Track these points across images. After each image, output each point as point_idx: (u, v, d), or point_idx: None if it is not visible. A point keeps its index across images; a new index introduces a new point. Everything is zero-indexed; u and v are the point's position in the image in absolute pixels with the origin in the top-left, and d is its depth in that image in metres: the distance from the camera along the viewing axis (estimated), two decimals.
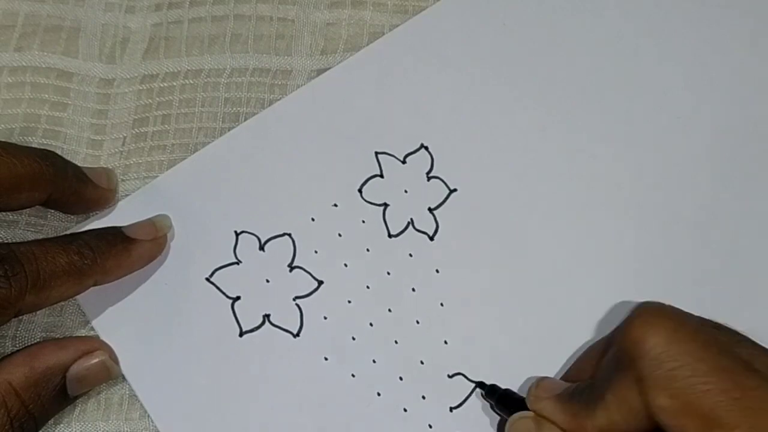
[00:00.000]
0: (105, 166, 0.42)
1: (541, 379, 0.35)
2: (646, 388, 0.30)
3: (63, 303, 0.39)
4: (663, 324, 0.30)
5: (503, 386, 0.37)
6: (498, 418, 0.38)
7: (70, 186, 0.38)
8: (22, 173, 0.36)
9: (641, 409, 0.30)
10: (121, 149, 0.43)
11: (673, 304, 0.33)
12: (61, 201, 0.39)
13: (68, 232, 0.40)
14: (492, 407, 0.37)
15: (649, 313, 0.31)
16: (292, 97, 0.43)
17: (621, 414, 0.31)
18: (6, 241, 0.40)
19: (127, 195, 0.41)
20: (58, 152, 0.42)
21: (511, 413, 0.36)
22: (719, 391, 0.28)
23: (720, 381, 0.29)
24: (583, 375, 0.35)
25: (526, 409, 0.35)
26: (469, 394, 0.38)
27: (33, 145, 0.42)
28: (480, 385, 0.38)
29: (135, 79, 0.44)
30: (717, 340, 0.30)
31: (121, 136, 0.43)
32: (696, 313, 0.33)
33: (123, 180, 0.42)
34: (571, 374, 0.37)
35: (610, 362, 0.32)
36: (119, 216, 0.40)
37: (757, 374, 0.29)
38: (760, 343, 0.32)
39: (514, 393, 0.37)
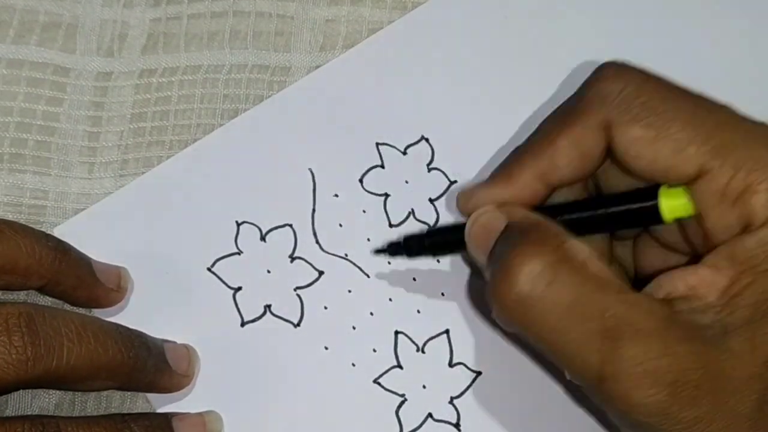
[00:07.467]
0: (104, 159, 0.42)
1: (468, 188, 0.36)
2: (615, 125, 0.31)
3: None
4: (632, 73, 0.32)
5: (507, 374, 0.38)
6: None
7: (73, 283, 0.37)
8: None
9: (594, 151, 0.32)
10: (119, 143, 0.43)
11: None
12: (59, 291, 0.37)
13: None
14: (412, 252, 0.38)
15: (616, 66, 0.33)
16: (294, 87, 0.43)
17: (570, 156, 0.33)
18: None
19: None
20: (53, 147, 0.42)
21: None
22: (686, 122, 0.31)
23: (687, 115, 0.31)
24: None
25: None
26: (471, 384, 0.38)
27: (29, 141, 0.42)
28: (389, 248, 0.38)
29: (133, 73, 0.44)
30: (685, 90, 0.32)
31: (118, 130, 0.43)
32: None
33: (121, 175, 0.42)
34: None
35: (558, 115, 0.34)
36: (116, 206, 0.40)
37: (721, 111, 0.32)
38: None
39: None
